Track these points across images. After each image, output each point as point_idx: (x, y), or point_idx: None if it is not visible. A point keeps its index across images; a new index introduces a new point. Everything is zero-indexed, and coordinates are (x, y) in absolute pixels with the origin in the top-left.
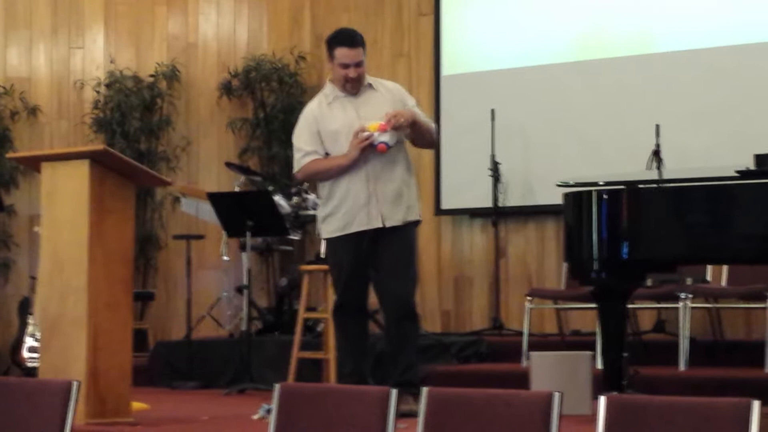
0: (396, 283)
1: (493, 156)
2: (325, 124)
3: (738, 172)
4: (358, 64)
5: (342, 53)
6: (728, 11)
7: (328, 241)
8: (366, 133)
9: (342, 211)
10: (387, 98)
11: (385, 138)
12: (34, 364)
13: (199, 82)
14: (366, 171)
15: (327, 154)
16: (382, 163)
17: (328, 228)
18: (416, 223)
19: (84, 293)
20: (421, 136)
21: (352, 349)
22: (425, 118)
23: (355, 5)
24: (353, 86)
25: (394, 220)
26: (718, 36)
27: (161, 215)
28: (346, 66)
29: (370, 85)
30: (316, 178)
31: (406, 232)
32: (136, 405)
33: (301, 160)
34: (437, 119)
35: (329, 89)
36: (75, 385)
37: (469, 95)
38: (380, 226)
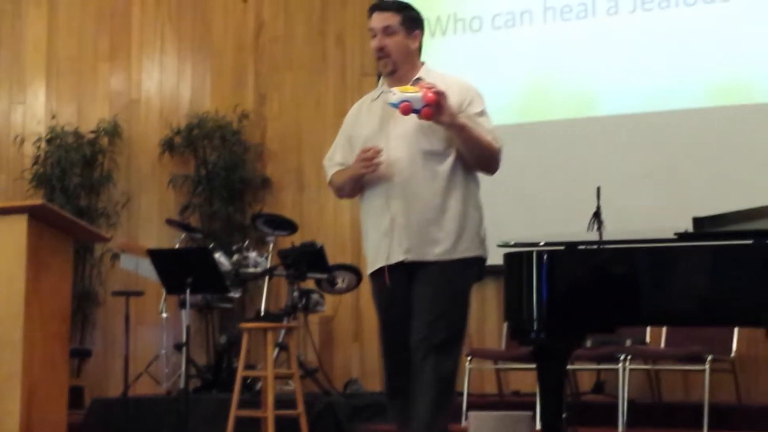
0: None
1: None
2: (358, 128)
3: (677, 234)
4: (386, 30)
5: (371, 19)
6: (669, 76)
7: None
8: (372, 152)
9: (368, 243)
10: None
11: (417, 105)
12: None
13: (141, 139)
14: (386, 188)
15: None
16: (408, 178)
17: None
18: (466, 261)
19: (19, 348)
20: (466, 147)
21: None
22: (484, 130)
23: (299, 64)
24: (384, 64)
25: (421, 254)
26: (659, 100)
27: (100, 271)
28: (373, 34)
29: (419, 79)
30: (340, 195)
31: (447, 269)
32: None
33: (327, 171)
34: None
35: (381, 81)
36: None
37: None
38: (401, 260)
